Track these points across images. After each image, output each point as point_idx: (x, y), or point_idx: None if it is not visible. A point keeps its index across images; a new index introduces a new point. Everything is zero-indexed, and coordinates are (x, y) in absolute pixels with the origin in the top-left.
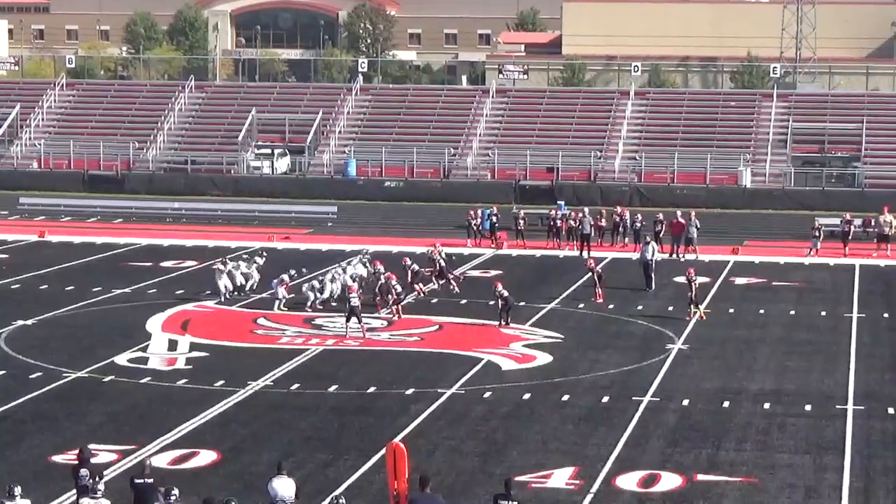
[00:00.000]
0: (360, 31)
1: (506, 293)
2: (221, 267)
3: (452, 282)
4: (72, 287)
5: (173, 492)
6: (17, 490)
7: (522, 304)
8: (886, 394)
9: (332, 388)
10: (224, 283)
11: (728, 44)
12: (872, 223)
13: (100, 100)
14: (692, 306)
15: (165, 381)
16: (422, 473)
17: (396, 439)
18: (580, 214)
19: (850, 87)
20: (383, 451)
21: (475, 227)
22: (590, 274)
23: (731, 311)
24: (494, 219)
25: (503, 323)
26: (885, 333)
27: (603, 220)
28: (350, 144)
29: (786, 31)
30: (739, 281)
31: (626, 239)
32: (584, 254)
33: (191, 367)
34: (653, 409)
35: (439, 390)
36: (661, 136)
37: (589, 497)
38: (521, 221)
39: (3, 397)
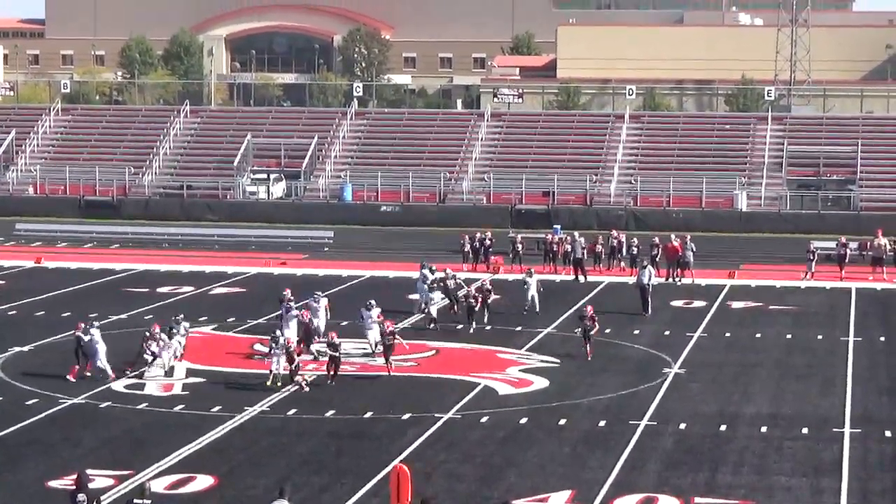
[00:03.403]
0: (355, 56)
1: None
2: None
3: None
4: (68, 313)
5: None
6: None
7: (519, 328)
8: (883, 417)
9: (329, 413)
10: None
11: (723, 67)
12: (868, 246)
13: (95, 125)
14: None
15: (162, 407)
16: (423, 497)
17: (395, 462)
18: (569, 238)
19: (844, 109)
20: (382, 474)
21: (473, 251)
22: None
23: (728, 335)
24: (489, 243)
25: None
26: (881, 357)
27: (599, 245)
28: (346, 169)
29: (780, 55)
30: (736, 305)
31: (623, 263)
32: (581, 278)
33: (188, 392)
34: (650, 433)
35: (436, 415)
36: (657, 159)
37: None
38: (519, 246)
39: (0, 423)
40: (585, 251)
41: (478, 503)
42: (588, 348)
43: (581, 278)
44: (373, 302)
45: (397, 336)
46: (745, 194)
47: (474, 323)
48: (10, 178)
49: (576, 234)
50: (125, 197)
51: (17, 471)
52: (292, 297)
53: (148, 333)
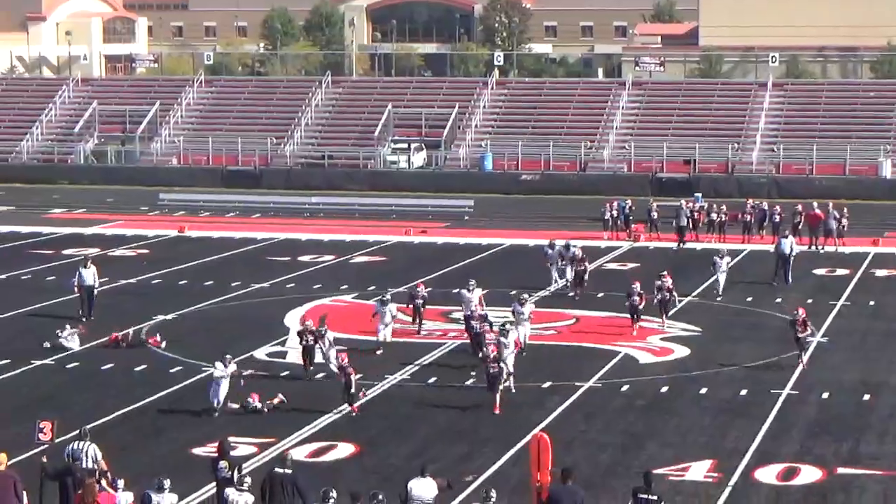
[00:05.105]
0: (496, 25)
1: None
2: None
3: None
4: (211, 282)
5: (331, 493)
6: (167, 483)
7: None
8: None
9: (469, 382)
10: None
11: (867, 33)
12: None
13: (237, 96)
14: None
15: (303, 377)
16: (565, 466)
17: (536, 430)
18: (679, 204)
19: None
20: (522, 442)
21: (611, 220)
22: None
23: (872, 303)
24: (629, 211)
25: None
26: None
27: (747, 214)
28: (486, 138)
29: None
30: (880, 273)
31: (764, 231)
32: (679, 245)
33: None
34: (792, 402)
35: (576, 383)
36: (800, 127)
37: (727, 490)
38: (654, 214)
39: (145, 391)
40: (689, 220)
41: (619, 472)
42: (804, 357)
43: (676, 245)
44: (526, 296)
45: (349, 370)
46: (889, 162)
47: (665, 318)
48: (154, 149)
49: (682, 201)
50: (267, 167)
51: (161, 437)
52: (390, 298)
53: (302, 328)
